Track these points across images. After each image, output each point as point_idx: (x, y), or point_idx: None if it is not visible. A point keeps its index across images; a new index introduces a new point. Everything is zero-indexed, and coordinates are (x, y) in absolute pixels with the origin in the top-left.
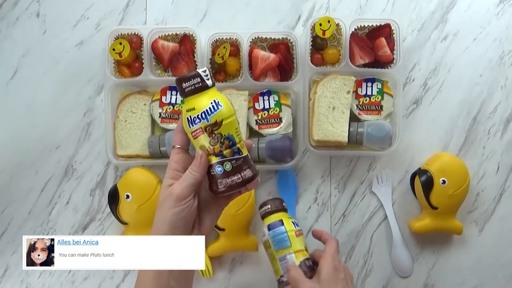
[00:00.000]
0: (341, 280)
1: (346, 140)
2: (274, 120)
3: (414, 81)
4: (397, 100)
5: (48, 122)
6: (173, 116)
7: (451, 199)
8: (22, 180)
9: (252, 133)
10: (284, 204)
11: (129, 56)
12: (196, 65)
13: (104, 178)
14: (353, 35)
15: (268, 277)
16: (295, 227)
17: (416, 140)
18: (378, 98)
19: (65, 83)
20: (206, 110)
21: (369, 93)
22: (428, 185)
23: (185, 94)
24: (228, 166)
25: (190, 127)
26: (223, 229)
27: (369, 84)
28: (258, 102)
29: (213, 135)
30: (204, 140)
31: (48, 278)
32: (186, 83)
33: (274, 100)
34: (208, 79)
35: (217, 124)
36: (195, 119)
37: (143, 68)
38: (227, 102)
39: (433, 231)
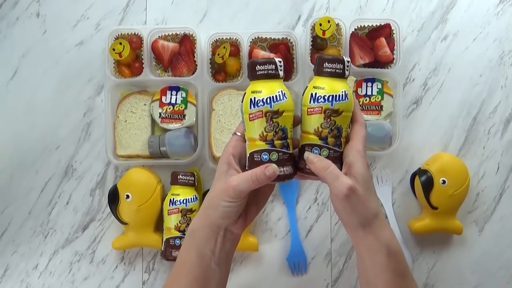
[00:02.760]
0: (371, 178)
1: None
2: None
3: (414, 81)
4: (397, 100)
5: (48, 122)
6: (173, 116)
7: (451, 199)
8: (22, 180)
9: None
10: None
11: (129, 56)
12: (196, 65)
13: (104, 178)
14: (353, 35)
15: (268, 277)
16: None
17: (416, 140)
18: (378, 98)
19: (65, 83)
20: (273, 96)
21: (369, 93)
22: (428, 185)
23: (256, 77)
24: (274, 156)
25: (250, 108)
26: None
27: (369, 84)
28: None
29: (271, 122)
30: (260, 124)
31: (48, 278)
32: (261, 66)
33: None
34: (281, 70)
35: (278, 113)
36: (258, 101)
37: (143, 68)
38: (291, 97)
39: (433, 231)
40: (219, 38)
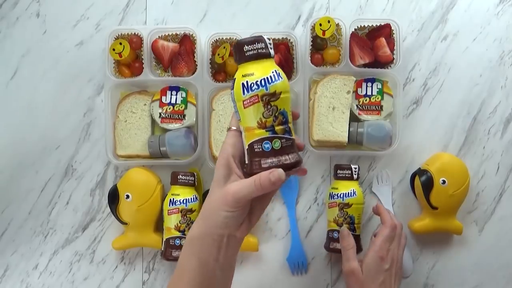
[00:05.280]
0: (384, 271)
1: (346, 140)
2: None
3: (414, 81)
4: (397, 100)
5: (48, 122)
6: (173, 116)
7: (451, 199)
8: (22, 180)
9: None
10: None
11: (129, 56)
12: (196, 65)
13: (104, 178)
14: (353, 35)
15: (268, 277)
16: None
17: (416, 140)
18: (378, 98)
19: (65, 83)
20: (267, 77)
21: (369, 93)
22: (428, 185)
23: (245, 58)
24: (277, 144)
25: (244, 94)
26: None
27: (369, 84)
28: None
29: (269, 106)
30: (257, 110)
31: (48, 278)
32: (249, 46)
33: None
34: (271, 48)
35: (275, 95)
36: (252, 85)
37: (143, 68)
38: (286, 77)
39: (433, 231)
40: (219, 38)
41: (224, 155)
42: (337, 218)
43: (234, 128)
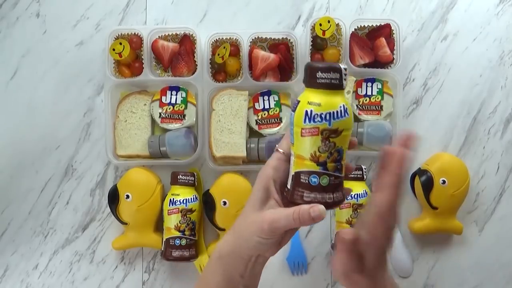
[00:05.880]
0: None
1: None
2: (274, 120)
3: (414, 81)
4: (397, 100)
5: (48, 122)
6: (173, 116)
7: (451, 199)
8: (22, 180)
9: (252, 133)
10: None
11: (129, 56)
12: (196, 65)
13: (104, 178)
14: (353, 35)
15: (268, 277)
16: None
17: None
18: (378, 98)
19: (65, 83)
20: (334, 112)
21: (369, 93)
22: (428, 185)
23: (316, 85)
24: (325, 181)
25: (305, 122)
26: (223, 229)
27: (369, 84)
28: (258, 102)
29: (327, 142)
30: (313, 142)
31: (48, 278)
32: (324, 73)
33: (274, 100)
34: (345, 80)
35: (337, 132)
36: (316, 116)
37: (143, 68)
38: (352, 113)
39: (433, 231)
40: (219, 38)
41: (264, 177)
42: (350, 219)
43: (282, 151)
